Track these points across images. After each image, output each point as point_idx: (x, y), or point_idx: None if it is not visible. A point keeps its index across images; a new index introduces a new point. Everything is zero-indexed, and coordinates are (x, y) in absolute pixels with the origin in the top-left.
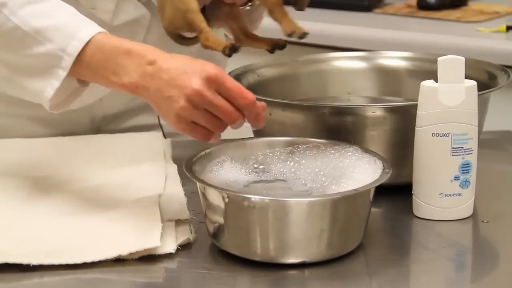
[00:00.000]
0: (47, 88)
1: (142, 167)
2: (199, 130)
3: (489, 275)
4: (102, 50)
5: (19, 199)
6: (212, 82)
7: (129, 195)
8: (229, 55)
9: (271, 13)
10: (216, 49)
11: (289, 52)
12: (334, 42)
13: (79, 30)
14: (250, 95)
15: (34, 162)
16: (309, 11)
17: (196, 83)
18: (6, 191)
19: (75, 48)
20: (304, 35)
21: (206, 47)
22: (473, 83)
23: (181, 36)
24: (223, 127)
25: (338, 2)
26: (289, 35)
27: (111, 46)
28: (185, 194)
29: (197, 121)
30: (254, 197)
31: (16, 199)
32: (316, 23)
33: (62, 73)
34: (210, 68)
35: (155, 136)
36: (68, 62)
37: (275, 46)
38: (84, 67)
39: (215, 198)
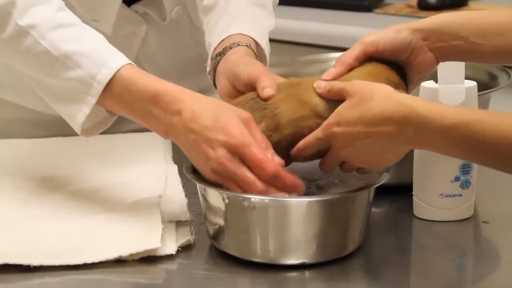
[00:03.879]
0: (78, 113)
1: (142, 167)
2: (232, 185)
3: (490, 276)
4: (129, 91)
5: (20, 199)
6: (235, 151)
7: (129, 196)
8: None
9: None
10: None
11: (290, 52)
12: (335, 43)
13: (109, 59)
14: (269, 166)
15: (35, 162)
16: (310, 11)
17: (218, 154)
18: (7, 191)
19: (105, 76)
20: None
21: None
22: (474, 83)
23: None
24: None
25: (338, 2)
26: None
27: (137, 89)
28: (186, 195)
29: (231, 179)
30: (254, 198)
31: (16, 200)
32: (316, 23)
33: (92, 100)
34: (233, 135)
35: (155, 137)
36: (97, 89)
37: None
38: (113, 103)
39: (215, 199)
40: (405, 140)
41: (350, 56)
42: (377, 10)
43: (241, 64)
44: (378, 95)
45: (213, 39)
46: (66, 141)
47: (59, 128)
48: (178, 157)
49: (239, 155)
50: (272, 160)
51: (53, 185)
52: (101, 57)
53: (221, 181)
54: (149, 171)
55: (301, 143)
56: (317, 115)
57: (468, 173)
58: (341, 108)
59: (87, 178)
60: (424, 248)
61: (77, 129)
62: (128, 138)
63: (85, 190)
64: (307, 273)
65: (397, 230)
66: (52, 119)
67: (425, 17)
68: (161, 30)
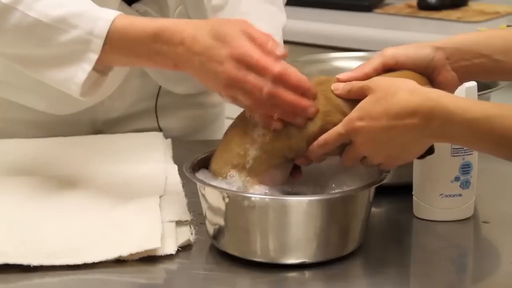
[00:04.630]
0: (78, 73)
1: (142, 167)
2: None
3: (490, 276)
4: (128, 36)
5: (20, 199)
6: (240, 61)
7: (129, 196)
8: None
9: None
10: None
11: (290, 52)
12: (335, 43)
13: (101, 13)
14: (273, 67)
15: (35, 162)
16: (310, 11)
17: (225, 67)
18: (7, 191)
19: (102, 28)
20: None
21: None
22: (474, 83)
23: None
24: (263, 106)
25: (338, 2)
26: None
27: (136, 33)
28: (186, 195)
29: (243, 89)
30: (254, 196)
31: (16, 200)
32: (316, 23)
33: (94, 56)
34: (234, 47)
35: (156, 137)
36: (98, 43)
37: None
38: (115, 55)
39: (215, 198)
40: (430, 133)
41: (368, 66)
42: (377, 10)
43: None
44: (403, 90)
45: None
46: (66, 141)
47: (59, 128)
48: (178, 157)
49: (244, 64)
50: (274, 60)
51: (53, 185)
52: (93, 13)
53: (235, 94)
54: (149, 171)
55: (322, 138)
56: (342, 113)
57: (468, 173)
58: (363, 103)
59: (87, 178)
60: (424, 248)
61: (76, 91)
62: (128, 138)
63: (85, 190)
64: (307, 273)
65: (397, 230)
66: (52, 119)
67: (425, 17)
68: None
